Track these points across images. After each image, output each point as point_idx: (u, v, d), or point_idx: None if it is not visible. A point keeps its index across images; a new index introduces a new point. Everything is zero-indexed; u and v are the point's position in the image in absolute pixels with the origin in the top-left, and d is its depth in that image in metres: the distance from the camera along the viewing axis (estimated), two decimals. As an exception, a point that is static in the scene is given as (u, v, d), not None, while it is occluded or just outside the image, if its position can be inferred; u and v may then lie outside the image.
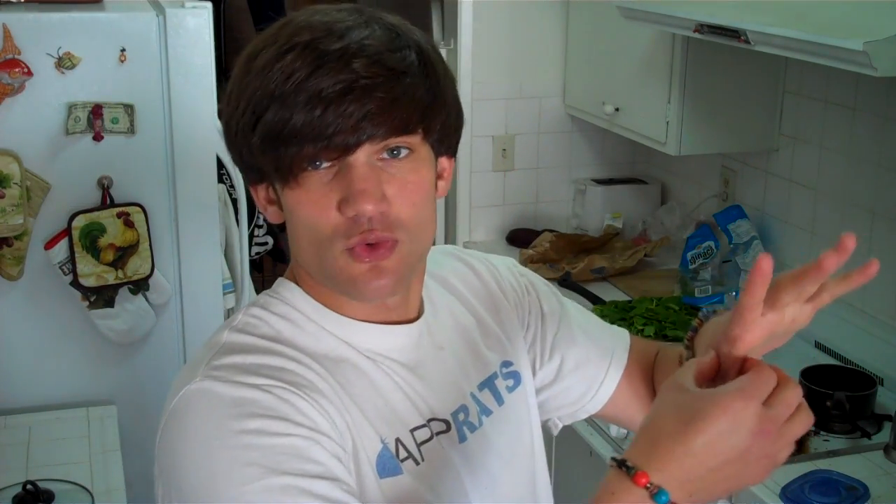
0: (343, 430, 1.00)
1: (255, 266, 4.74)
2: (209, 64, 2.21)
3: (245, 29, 5.05)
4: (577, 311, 1.32)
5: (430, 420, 1.09)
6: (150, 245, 2.22)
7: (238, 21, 5.11)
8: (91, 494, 1.91)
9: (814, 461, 2.08)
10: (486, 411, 1.16)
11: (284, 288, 1.09)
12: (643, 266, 3.10)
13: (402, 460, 1.04)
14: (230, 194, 2.44)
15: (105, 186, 2.20)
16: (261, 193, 1.06)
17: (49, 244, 2.18)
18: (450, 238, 3.44)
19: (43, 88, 2.12)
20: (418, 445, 1.06)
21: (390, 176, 0.98)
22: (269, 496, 0.91)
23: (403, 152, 0.99)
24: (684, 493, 0.85)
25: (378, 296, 1.02)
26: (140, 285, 2.23)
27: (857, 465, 2.05)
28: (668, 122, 2.78)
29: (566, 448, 2.68)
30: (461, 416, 1.12)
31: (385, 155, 0.98)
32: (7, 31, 2.08)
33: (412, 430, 1.07)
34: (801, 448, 2.16)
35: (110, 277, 2.19)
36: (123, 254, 2.20)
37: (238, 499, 0.91)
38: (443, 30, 3.50)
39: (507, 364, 1.21)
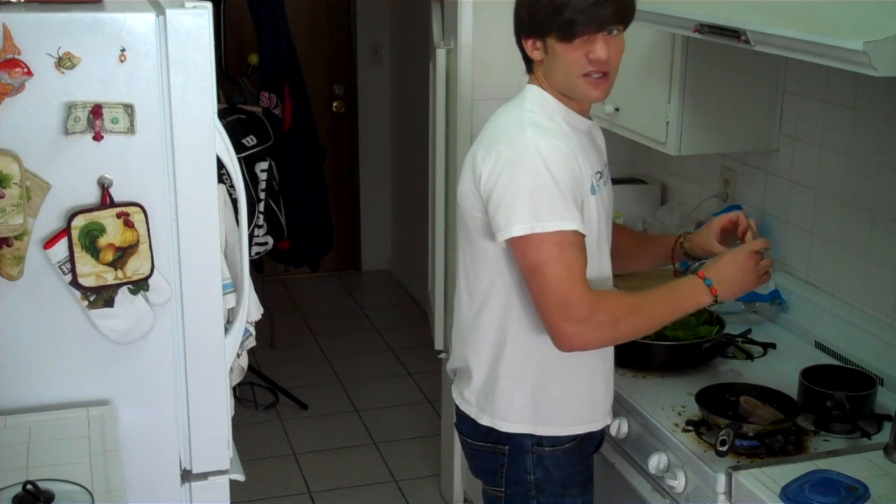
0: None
1: (255, 266, 4.75)
2: (209, 64, 2.21)
3: (245, 29, 5.05)
4: None
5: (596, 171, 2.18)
6: (150, 245, 2.22)
7: (238, 21, 5.11)
8: (91, 495, 1.91)
9: (814, 461, 2.08)
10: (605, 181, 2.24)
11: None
12: (643, 266, 3.09)
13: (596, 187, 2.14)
14: (230, 194, 2.43)
15: (105, 186, 2.20)
16: (531, 44, 2.16)
17: (48, 244, 2.17)
18: (450, 236, 3.44)
19: (43, 88, 2.12)
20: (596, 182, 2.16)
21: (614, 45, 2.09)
22: None
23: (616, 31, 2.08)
24: (717, 281, 2.06)
25: (599, 99, 2.16)
26: (140, 285, 2.23)
27: (857, 465, 2.05)
28: (668, 122, 2.78)
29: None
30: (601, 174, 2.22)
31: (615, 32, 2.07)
32: (7, 31, 2.08)
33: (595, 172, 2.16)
34: (800, 449, 2.16)
35: (110, 277, 2.19)
36: (123, 254, 2.20)
37: None
38: (443, 30, 3.50)
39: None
